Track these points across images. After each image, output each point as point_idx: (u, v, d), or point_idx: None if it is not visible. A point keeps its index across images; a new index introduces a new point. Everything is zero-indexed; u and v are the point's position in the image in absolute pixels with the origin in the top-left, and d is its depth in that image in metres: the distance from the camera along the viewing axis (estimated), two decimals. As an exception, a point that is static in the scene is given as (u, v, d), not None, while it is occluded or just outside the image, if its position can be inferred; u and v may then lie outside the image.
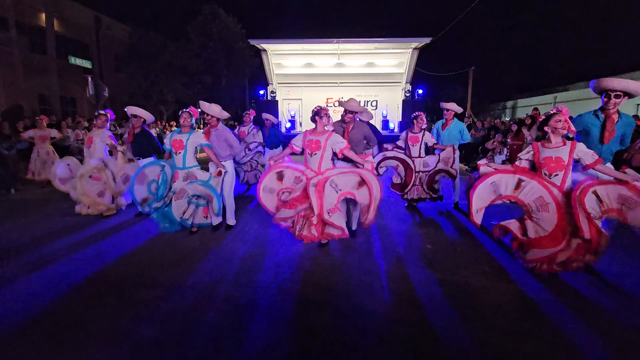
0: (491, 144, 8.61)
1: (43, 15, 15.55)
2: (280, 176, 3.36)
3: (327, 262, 3.25)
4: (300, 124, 16.67)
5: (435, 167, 4.80)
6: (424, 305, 2.50)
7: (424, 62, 18.15)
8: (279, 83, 17.06)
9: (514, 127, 8.26)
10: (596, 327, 2.23)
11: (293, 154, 3.60)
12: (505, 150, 8.22)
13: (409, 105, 15.44)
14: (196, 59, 19.46)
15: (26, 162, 7.22)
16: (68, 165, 5.01)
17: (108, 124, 4.94)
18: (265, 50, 15.93)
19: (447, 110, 5.03)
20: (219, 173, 3.77)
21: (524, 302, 2.54)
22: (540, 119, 2.99)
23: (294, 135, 3.70)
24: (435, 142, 4.92)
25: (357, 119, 4.17)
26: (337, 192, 3.23)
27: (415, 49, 15.58)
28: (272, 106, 15.66)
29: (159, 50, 18.08)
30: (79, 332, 2.18)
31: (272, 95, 16.47)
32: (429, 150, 5.04)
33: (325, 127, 3.45)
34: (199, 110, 5.53)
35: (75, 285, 2.82)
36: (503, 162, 7.51)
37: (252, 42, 15.87)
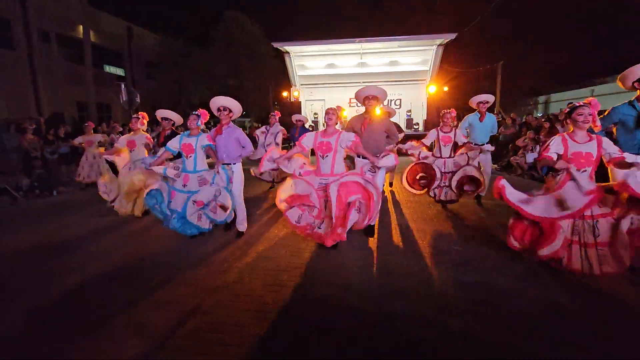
0: (522, 141, 8.27)
1: (81, 28, 16.49)
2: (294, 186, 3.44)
3: (348, 263, 3.24)
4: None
5: (466, 164, 4.66)
6: (452, 309, 2.44)
7: (449, 58, 17.70)
8: (302, 84, 17.16)
9: (547, 124, 7.89)
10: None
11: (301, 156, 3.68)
12: (537, 147, 7.86)
13: (434, 104, 15.09)
14: (220, 64, 20.00)
15: (67, 165, 7.70)
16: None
17: (145, 126, 5.20)
18: (288, 52, 16.08)
19: (483, 102, 4.90)
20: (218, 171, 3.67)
21: (559, 309, 2.41)
22: (565, 111, 2.88)
23: None
24: (467, 141, 4.77)
25: (378, 112, 4.07)
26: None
27: (440, 45, 15.22)
28: (295, 107, 15.78)
29: (185, 57, 18.73)
30: (116, 325, 2.31)
31: (294, 97, 16.62)
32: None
33: (336, 127, 3.46)
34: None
35: (111, 280, 2.99)
36: (535, 160, 7.19)
37: (275, 44, 16.06)
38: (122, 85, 10.55)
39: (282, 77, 20.85)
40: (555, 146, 2.81)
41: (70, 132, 9.01)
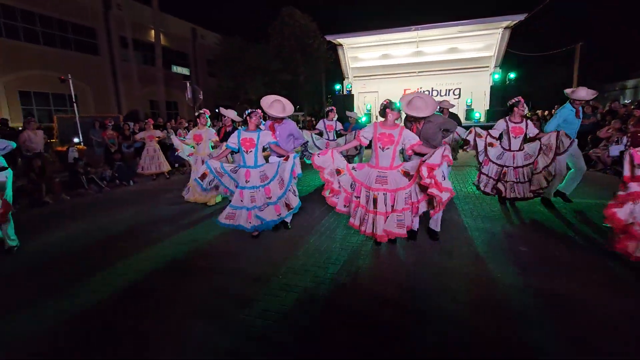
0: (605, 131, 7.30)
1: (152, 32, 18.05)
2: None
3: (400, 260, 3.16)
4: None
5: (538, 155, 4.26)
6: (513, 316, 2.26)
7: (517, 42, 16.19)
8: (354, 77, 16.96)
9: (638, 112, 6.85)
10: None
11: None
12: (624, 139, 6.88)
13: (499, 92, 13.95)
14: (275, 59, 20.58)
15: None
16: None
17: (208, 121, 5.58)
18: (341, 44, 15.98)
19: (581, 101, 4.34)
20: (287, 158, 3.66)
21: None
22: None
23: None
24: (538, 131, 4.35)
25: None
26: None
27: (506, 28, 13.96)
28: (348, 100, 15.68)
29: (243, 54, 19.59)
30: (175, 306, 2.52)
31: (347, 89, 16.51)
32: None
33: (396, 121, 3.33)
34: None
35: (174, 265, 3.27)
36: (622, 153, 6.32)
37: (328, 37, 16.05)
38: (187, 84, 11.37)
39: (335, 70, 20.85)
40: None
41: (144, 128, 9.96)
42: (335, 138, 6.52)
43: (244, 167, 3.74)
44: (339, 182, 3.34)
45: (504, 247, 3.38)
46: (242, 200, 3.67)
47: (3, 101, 13.72)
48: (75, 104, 10.51)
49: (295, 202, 3.71)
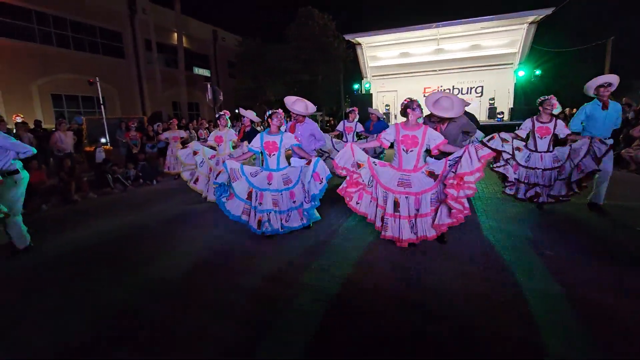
0: (638, 130, 6.92)
1: (175, 35, 18.56)
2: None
3: (419, 263, 3.10)
4: (395, 116, 16.19)
5: (566, 160, 4.06)
6: (539, 322, 2.17)
7: (543, 37, 15.57)
8: (373, 76, 16.82)
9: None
10: None
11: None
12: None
13: (524, 90, 13.49)
14: (294, 59, 20.71)
15: (164, 158, 8.80)
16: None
17: (228, 122, 5.70)
18: (359, 43, 15.88)
19: (605, 86, 4.03)
20: (309, 162, 3.63)
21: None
22: None
23: None
24: (571, 132, 4.14)
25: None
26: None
27: (532, 23, 13.46)
28: (366, 100, 15.57)
29: (262, 55, 19.82)
30: (194, 303, 2.57)
31: (366, 89, 16.39)
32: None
33: (418, 120, 3.24)
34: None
35: (194, 263, 3.34)
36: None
37: (347, 37, 15.97)
38: (208, 85, 11.61)
39: (353, 69, 20.75)
40: None
41: (167, 129, 10.24)
42: (355, 140, 6.44)
43: (267, 170, 3.71)
44: (359, 175, 3.27)
45: (528, 250, 3.26)
46: (260, 204, 3.63)
47: (37, 104, 14.45)
48: (102, 106, 10.93)
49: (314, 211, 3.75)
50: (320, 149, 6.26)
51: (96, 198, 6.63)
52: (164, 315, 2.44)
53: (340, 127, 6.56)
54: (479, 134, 4.80)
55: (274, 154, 3.66)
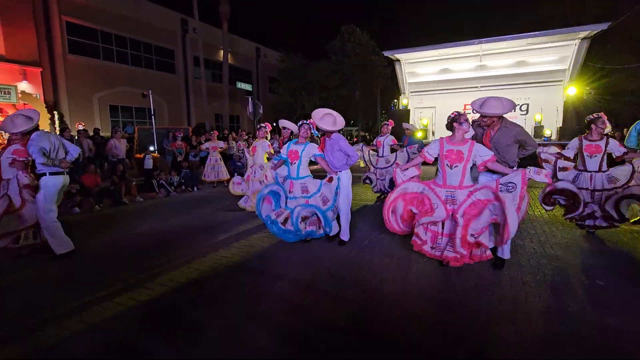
0: None
1: (221, 52, 19.67)
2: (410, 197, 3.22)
3: (460, 284, 2.97)
4: (433, 133, 15.85)
5: (628, 182, 3.73)
6: (590, 356, 1.99)
7: (597, 53, 14.63)
8: (411, 92, 16.66)
9: None
10: None
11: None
12: None
13: (575, 108, 12.67)
14: (333, 75, 21.12)
15: (204, 167, 9.26)
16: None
17: (268, 134, 5.92)
18: (398, 60, 15.87)
19: None
20: (330, 179, 3.77)
21: None
22: None
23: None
24: (627, 150, 3.83)
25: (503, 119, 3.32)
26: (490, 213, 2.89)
27: (584, 39, 12.74)
28: (403, 116, 15.42)
29: (302, 71, 20.43)
30: (226, 305, 2.64)
31: (403, 105, 16.25)
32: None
33: (465, 135, 3.13)
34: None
35: (229, 267, 3.43)
36: None
37: (386, 53, 16.03)
38: (249, 99, 12.12)
39: (391, 85, 20.73)
40: None
41: (210, 139, 10.79)
42: (388, 154, 6.37)
43: (289, 177, 3.90)
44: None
45: (577, 278, 3.02)
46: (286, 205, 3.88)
47: (96, 113, 15.85)
48: (153, 117, 11.76)
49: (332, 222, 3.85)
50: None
51: (142, 201, 7.08)
52: (197, 314, 2.53)
53: (375, 141, 6.59)
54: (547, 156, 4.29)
55: (295, 163, 3.81)
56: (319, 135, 4.20)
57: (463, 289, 2.84)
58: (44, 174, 3.66)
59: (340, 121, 3.91)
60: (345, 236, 4.01)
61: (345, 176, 3.93)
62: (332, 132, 3.89)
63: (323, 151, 3.93)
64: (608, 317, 2.36)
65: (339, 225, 4.05)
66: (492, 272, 3.14)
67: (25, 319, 2.52)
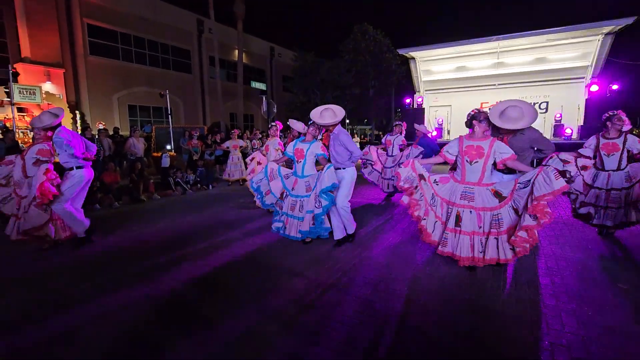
0: None
1: (236, 52, 19.89)
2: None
3: (477, 286, 2.92)
4: (448, 131, 15.62)
5: None
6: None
7: (622, 48, 14.10)
8: (426, 90, 16.45)
9: None
10: None
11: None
12: None
13: (598, 106, 12.24)
14: (347, 74, 21.06)
15: (220, 165, 9.40)
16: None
17: (278, 133, 6.03)
18: (413, 58, 15.70)
19: None
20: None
21: None
22: None
23: (443, 145, 3.42)
24: None
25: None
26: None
27: (608, 34, 12.29)
28: (418, 114, 15.25)
29: (316, 69, 20.46)
30: (239, 301, 2.68)
31: (418, 103, 16.06)
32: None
33: (485, 133, 3.07)
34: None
35: (242, 263, 3.48)
36: None
37: (401, 51, 15.89)
38: (263, 98, 12.24)
39: (405, 83, 20.52)
40: None
41: (224, 138, 10.94)
42: (397, 153, 6.27)
43: (294, 175, 3.96)
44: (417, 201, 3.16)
45: (598, 282, 2.93)
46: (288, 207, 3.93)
47: (115, 113, 16.29)
48: (169, 116, 12.01)
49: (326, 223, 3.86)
50: (367, 159, 6.26)
51: (159, 199, 7.25)
52: (210, 309, 2.58)
53: (383, 139, 6.55)
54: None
55: (300, 161, 3.87)
56: (322, 137, 4.19)
57: (479, 289, 2.80)
58: (71, 168, 3.88)
59: (339, 112, 3.82)
60: (349, 229, 3.94)
61: (350, 173, 3.86)
62: (334, 125, 3.83)
63: (327, 147, 3.98)
64: (632, 324, 2.29)
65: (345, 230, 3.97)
66: (509, 274, 3.08)
67: (43, 305, 2.63)
